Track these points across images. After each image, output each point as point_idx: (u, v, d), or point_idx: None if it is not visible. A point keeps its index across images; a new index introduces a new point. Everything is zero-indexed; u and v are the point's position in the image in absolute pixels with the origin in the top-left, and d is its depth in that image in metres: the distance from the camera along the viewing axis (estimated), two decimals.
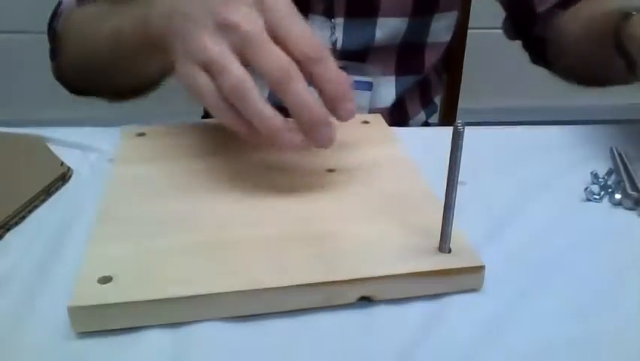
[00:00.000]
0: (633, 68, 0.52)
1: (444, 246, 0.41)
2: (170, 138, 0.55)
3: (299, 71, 0.41)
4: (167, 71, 0.53)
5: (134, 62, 0.54)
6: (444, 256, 0.41)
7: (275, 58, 0.40)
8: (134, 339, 0.37)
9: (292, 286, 0.38)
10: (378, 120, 0.60)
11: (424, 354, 0.36)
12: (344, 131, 0.56)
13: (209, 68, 0.42)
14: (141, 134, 0.56)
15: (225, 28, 0.41)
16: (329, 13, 0.69)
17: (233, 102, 0.41)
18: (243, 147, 0.53)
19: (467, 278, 0.40)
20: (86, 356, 0.36)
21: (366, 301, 0.39)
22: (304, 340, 0.37)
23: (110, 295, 0.37)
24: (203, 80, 0.42)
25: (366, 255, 0.41)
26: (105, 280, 0.38)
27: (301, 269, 0.39)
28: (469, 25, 0.93)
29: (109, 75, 0.61)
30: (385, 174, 0.50)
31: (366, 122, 0.59)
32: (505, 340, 0.38)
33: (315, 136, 0.42)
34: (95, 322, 0.37)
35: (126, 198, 0.47)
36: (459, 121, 0.37)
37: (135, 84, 0.61)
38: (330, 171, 0.50)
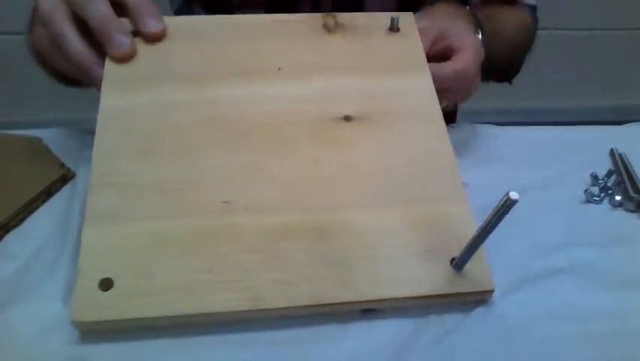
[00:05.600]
0: None
1: (459, 264, 0.38)
2: (170, 39, 0.48)
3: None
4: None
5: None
6: (456, 276, 0.38)
7: None
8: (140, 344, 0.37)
9: (297, 307, 0.37)
10: (409, 25, 0.51)
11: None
12: (368, 45, 0.49)
13: (44, 25, 0.47)
14: (135, 34, 0.48)
15: None
16: (316, 12, 0.69)
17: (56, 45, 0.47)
18: (253, 69, 0.47)
19: (476, 298, 0.39)
20: (86, 358, 0.36)
21: (370, 312, 0.39)
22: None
23: (111, 309, 0.36)
24: (44, 37, 0.48)
25: (372, 267, 0.38)
26: (106, 285, 0.37)
27: (306, 284, 0.37)
28: None
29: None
30: (408, 130, 0.44)
31: (395, 29, 0.51)
32: (505, 340, 0.38)
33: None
34: (99, 330, 0.37)
35: (117, 151, 0.42)
36: (513, 193, 0.33)
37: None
38: (347, 119, 0.45)
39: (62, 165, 0.52)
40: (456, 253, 0.39)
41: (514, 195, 0.33)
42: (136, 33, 0.48)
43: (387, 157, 0.43)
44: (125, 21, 0.48)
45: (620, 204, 0.49)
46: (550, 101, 1.83)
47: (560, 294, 0.41)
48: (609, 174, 0.52)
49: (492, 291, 0.39)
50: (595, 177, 0.52)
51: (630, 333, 0.39)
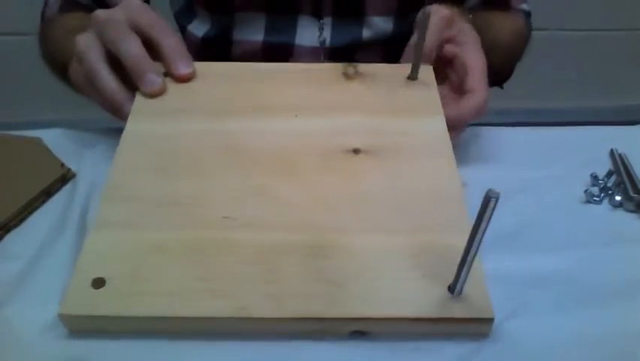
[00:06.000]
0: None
1: (456, 287, 0.37)
2: (197, 81, 0.52)
3: (135, 36, 0.50)
4: None
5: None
6: (451, 301, 0.37)
7: (120, 30, 0.50)
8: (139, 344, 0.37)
9: (281, 319, 0.36)
10: (427, 75, 0.53)
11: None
12: (385, 90, 0.51)
13: (79, 61, 0.51)
14: (166, 75, 0.52)
15: (92, 24, 0.51)
16: (317, 14, 0.70)
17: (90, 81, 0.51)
18: (271, 108, 0.50)
19: (473, 327, 0.37)
20: (83, 357, 0.36)
21: (360, 334, 0.38)
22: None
23: (99, 305, 0.36)
24: (80, 73, 0.52)
25: (367, 286, 0.37)
26: (98, 283, 0.37)
27: (295, 298, 0.37)
28: None
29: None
30: (416, 164, 0.45)
31: (414, 77, 0.53)
32: (504, 338, 0.38)
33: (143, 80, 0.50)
34: (86, 327, 0.37)
35: (134, 169, 0.44)
36: (493, 190, 0.33)
37: None
38: (356, 152, 0.46)
39: (62, 165, 0.52)
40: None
41: (493, 192, 0.32)
42: (167, 73, 0.52)
43: (393, 187, 0.43)
44: (157, 64, 0.51)
45: (620, 205, 0.49)
46: (550, 101, 1.83)
47: (559, 294, 0.41)
48: (609, 174, 0.52)
49: (491, 320, 0.37)
50: (595, 178, 0.52)
51: (630, 333, 0.39)
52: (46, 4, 0.74)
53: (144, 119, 0.48)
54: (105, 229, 0.40)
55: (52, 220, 0.47)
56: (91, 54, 0.50)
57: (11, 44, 1.71)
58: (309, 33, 0.71)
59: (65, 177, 0.52)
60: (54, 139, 0.56)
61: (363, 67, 0.54)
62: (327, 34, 0.71)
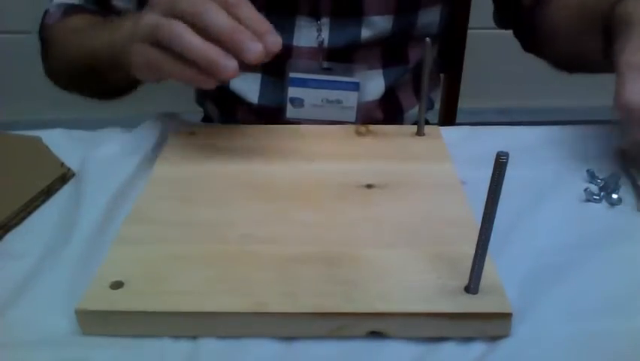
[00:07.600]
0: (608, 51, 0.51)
1: (472, 286, 0.38)
2: (220, 139, 0.56)
3: (215, 4, 0.45)
4: (133, 82, 0.59)
5: (107, 76, 0.60)
6: (468, 298, 0.38)
7: (196, 1, 0.45)
8: (139, 345, 0.37)
9: (298, 313, 0.37)
10: (434, 133, 0.57)
11: None
12: (395, 143, 0.56)
13: (151, 38, 0.47)
14: (192, 133, 0.56)
15: (154, 5, 0.48)
16: (315, 14, 0.70)
17: (172, 48, 0.46)
18: (289, 155, 0.54)
19: (491, 324, 0.37)
20: (86, 358, 0.36)
21: (376, 335, 0.38)
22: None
23: (117, 302, 0.37)
24: (151, 51, 0.47)
25: (383, 286, 0.38)
26: (117, 285, 0.38)
27: (311, 296, 0.38)
28: (469, 25, 0.93)
29: (88, 83, 0.67)
30: (427, 195, 0.48)
31: (421, 133, 0.57)
32: (507, 338, 0.38)
33: (244, 49, 0.45)
34: (102, 325, 0.37)
35: (160, 199, 0.47)
36: (502, 152, 0.33)
37: (111, 90, 0.67)
38: (369, 187, 0.49)
39: (62, 164, 0.52)
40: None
41: (502, 152, 0.33)
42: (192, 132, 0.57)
43: (406, 213, 0.46)
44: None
45: (619, 202, 0.49)
46: (549, 100, 1.83)
47: (559, 294, 0.41)
48: (611, 175, 0.52)
49: (509, 315, 0.37)
50: (592, 175, 0.51)
51: (630, 333, 0.39)
52: (46, 13, 0.73)
53: (171, 165, 0.52)
54: (126, 243, 0.42)
55: (52, 220, 0.47)
56: (167, 22, 0.46)
57: (11, 43, 1.71)
58: (307, 34, 0.71)
59: (65, 176, 0.52)
60: (54, 139, 0.56)
61: (373, 127, 0.58)
62: (325, 34, 0.71)
